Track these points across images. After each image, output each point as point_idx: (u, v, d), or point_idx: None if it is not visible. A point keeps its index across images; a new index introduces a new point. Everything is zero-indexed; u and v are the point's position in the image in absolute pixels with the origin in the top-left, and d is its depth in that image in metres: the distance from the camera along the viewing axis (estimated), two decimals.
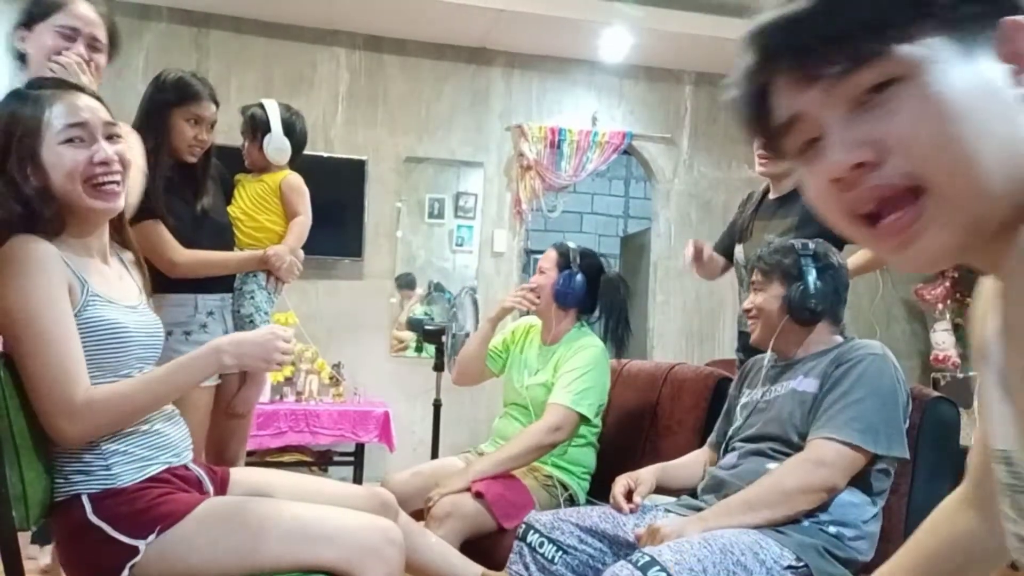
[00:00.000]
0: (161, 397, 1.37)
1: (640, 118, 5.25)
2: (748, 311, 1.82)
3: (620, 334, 2.37)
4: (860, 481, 1.56)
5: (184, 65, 4.65)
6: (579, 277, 2.30)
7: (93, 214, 1.35)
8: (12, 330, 1.26)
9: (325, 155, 4.69)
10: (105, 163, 1.32)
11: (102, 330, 1.33)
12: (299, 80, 4.75)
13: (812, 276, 1.71)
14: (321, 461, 4.38)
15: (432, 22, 4.62)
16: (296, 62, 4.74)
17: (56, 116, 1.31)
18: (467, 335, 3.45)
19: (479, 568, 1.86)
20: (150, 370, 1.43)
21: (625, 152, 5.30)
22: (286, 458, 4.21)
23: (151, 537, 1.29)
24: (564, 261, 2.33)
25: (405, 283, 4.91)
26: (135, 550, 1.28)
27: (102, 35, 1.78)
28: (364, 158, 4.76)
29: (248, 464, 3.81)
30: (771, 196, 2.51)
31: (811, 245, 1.76)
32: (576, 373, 2.20)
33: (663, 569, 1.30)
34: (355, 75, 4.83)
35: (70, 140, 1.31)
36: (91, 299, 1.33)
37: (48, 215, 1.31)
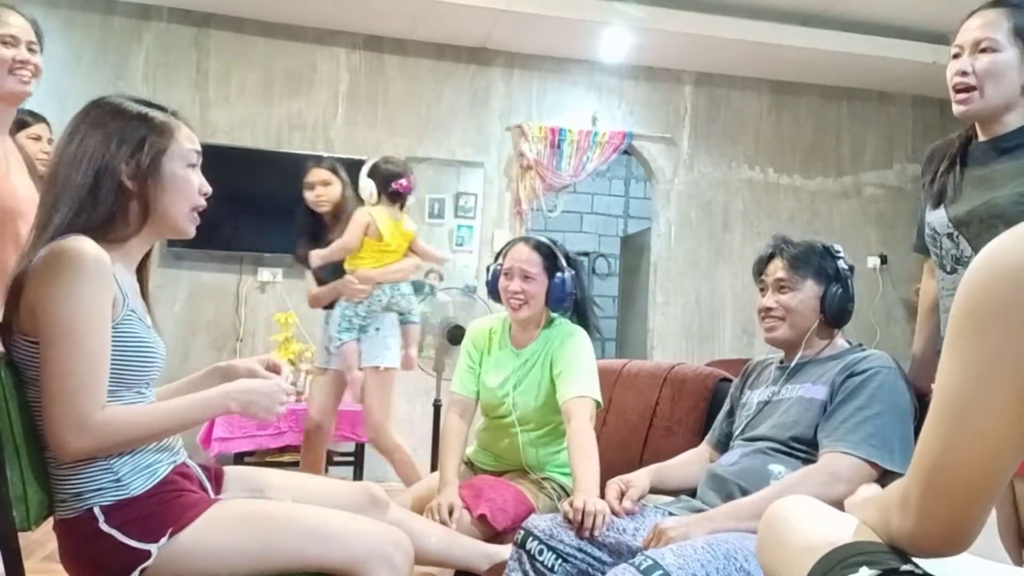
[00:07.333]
0: (169, 430, 1.37)
1: (640, 118, 5.25)
2: (770, 310, 1.76)
3: (587, 315, 2.24)
4: None
5: (184, 65, 4.68)
6: (573, 279, 2.15)
7: (182, 234, 1.42)
8: (49, 331, 1.24)
9: (325, 155, 4.68)
10: (207, 195, 1.43)
11: (132, 346, 1.33)
12: (299, 80, 4.74)
13: (847, 278, 1.74)
14: None
15: (432, 22, 4.62)
16: (296, 62, 4.74)
17: (186, 138, 1.39)
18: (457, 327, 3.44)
19: (486, 546, 1.81)
20: (162, 401, 1.41)
21: (625, 152, 5.30)
22: (286, 458, 4.21)
23: (163, 540, 1.28)
24: (552, 264, 2.17)
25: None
26: (147, 554, 1.27)
27: (34, 38, 1.95)
28: (364, 158, 4.74)
29: (248, 464, 3.82)
30: (982, 138, 1.78)
31: (838, 247, 1.78)
32: (579, 362, 2.07)
33: (666, 573, 1.30)
34: (355, 75, 4.83)
35: (192, 165, 1.40)
36: (128, 314, 1.33)
37: (132, 226, 1.34)
